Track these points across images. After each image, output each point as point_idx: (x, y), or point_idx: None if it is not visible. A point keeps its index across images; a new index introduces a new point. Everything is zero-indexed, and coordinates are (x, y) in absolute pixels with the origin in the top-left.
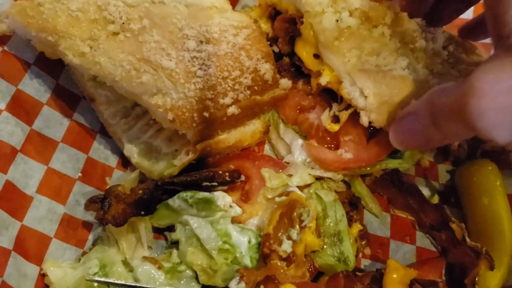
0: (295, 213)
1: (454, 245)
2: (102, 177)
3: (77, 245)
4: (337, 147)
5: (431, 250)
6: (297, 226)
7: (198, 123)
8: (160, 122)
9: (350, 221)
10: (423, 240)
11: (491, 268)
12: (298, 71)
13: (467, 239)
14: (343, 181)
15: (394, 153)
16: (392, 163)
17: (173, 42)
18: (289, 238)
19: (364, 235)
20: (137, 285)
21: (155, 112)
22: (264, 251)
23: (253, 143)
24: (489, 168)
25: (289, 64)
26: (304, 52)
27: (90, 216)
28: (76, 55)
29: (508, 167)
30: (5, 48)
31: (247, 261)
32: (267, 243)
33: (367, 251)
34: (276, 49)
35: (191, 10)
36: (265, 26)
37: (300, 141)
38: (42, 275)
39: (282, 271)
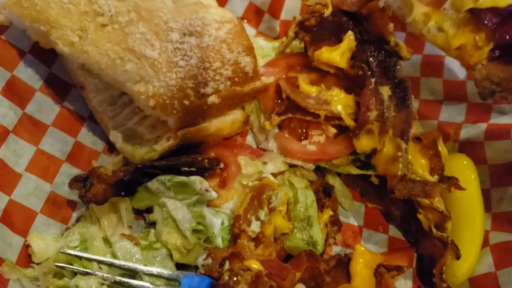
0: (264, 196)
1: (423, 236)
2: (88, 160)
3: (61, 221)
4: (306, 139)
5: (403, 240)
6: (266, 208)
7: (178, 110)
8: (143, 109)
9: (322, 207)
10: (396, 230)
11: (457, 257)
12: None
13: (433, 230)
14: (319, 170)
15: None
16: (354, 170)
17: (158, 34)
18: (257, 218)
19: (335, 221)
20: (110, 260)
21: (138, 99)
22: (234, 231)
23: (233, 132)
24: (464, 162)
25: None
26: None
27: (75, 196)
28: (66, 44)
29: (483, 162)
30: (2, 37)
31: (219, 241)
32: (237, 223)
33: (339, 237)
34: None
35: (177, 5)
36: None
37: (276, 130)
38: (26, 246)
39: (248, 250)
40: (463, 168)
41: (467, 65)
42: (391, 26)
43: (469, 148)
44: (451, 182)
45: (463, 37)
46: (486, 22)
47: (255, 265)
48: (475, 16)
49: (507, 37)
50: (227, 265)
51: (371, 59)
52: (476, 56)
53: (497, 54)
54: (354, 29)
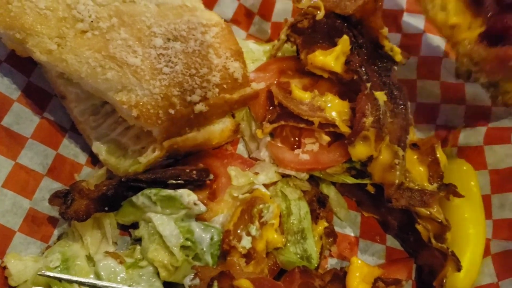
0: (255, 209)
1: (422, 247)
2: (70, 173)
3: (42, 239)
4: (299, 148)
5: (401, 251)
6: (257, 222)
7: (163, 120)
8: (126, 119)
9: (317, 218)
10: (394, 240)
11: (458, 269)
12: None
13: (433, 241)
14: (313, 179)
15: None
16: (350, 179)
17: (140, 40)
18: (248, 234)
19: (330, 233)
20: (92, 281)
21: (121, 109)
22: (224, 247)
23: (223, 142)
24: (464, 168)
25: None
26: None
27: (56, 212)
28: (43, 52)
29: (483, 167)
30: None
31: (208, 258)
32: (227, 239)
33: (334, 249)
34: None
35: (162, 8)
36: None
37: (268, 138)
38: (3, 268)
39: (238, 267)
40: (462, 174)
41: (454, 41)
42: (385, 30)
43: (468, 153)
44: (449, 190)
45: (461, 18)
46: (486, 8)
47: (246, 285)
48: (478, 2)
49: (499, 25)
50: (215, 286)
51: (365, 63)
52: (465, 34)
53: (485, 39)
54: (348, 32)
